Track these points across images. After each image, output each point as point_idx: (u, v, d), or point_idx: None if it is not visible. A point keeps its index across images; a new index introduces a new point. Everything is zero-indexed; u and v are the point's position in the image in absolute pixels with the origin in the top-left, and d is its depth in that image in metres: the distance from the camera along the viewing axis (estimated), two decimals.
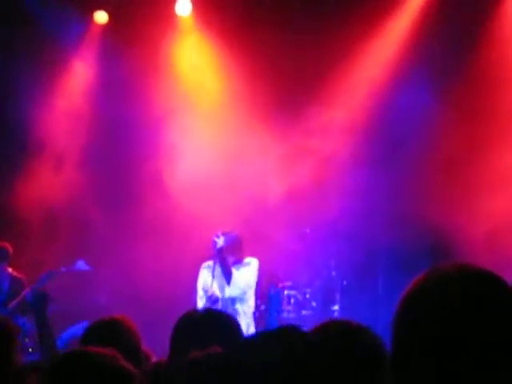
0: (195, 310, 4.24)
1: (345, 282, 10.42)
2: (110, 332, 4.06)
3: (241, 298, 8.56)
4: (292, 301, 10.16)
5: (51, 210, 10.44)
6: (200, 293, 8.61)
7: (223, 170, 10.31)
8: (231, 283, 8.53)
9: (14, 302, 9.33)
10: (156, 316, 8.79)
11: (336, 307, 10.31)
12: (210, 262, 8.56)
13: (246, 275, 8.61)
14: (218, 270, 8.53)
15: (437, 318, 1.84)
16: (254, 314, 8.99)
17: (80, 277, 10.09)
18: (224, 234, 8.48)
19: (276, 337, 1.93)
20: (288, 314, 10.01)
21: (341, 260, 10.38)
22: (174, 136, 10.45)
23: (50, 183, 10.45)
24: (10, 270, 9.52)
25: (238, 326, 3.74)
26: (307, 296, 10.31)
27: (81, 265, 9.66)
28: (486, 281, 1.90)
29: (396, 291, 2.07)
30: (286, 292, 10.21)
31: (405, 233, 9.80)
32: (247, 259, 8.66)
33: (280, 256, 10.20)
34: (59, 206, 10.41)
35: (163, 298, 9.45)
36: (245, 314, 8.26)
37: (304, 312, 10.13)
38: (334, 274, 10.45)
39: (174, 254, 9.63)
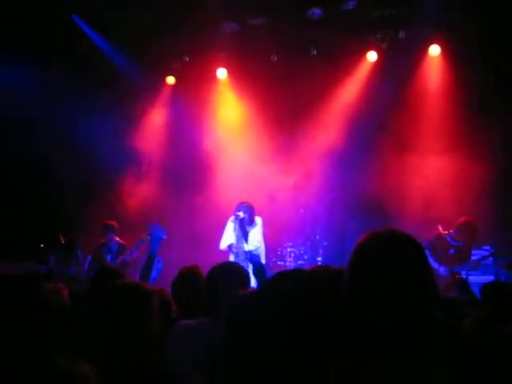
0: (223, 265, 4.14)
1: (325, 243, 11.80)
2: (194, 274, 4.43)
3: (255, 251, 9.17)
4: (292, 255, 11.48)
5: (144, 199, 11.80)
6: (225, 237, 9.21)
7: (249, 173, 11.68)
8: (248, 241, 9.22)
9: (120, 258, 9.91)
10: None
11: (319, 258, 11.59)
12: (233, 217, 9.24)
13: (256, 234, 9.25)
14: (239, 231, 9.26)
15: (369, 272, 2.06)
16: (267, 264, 9.81)
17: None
18: (242, 206, 9.16)
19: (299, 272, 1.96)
20: (290, 263, 11.36)
21: (322, 229, 11.86)
22: (218, 154, 12.12)
23: (145, 184, 11.97)
24: (117, 238, 10.35)
25: (248, 275, 3.87)
26: (301, 251, 11.60)
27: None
28: (404, 244, 2.13)
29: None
30: (288, 249, 11.54)
31: (361, 212, 11.01)
32: (256, 219, 9.30)
33: (285, 227, 11.83)
34: (149, 197, 11.81)
35: (211, 251, 9.76)
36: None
37: (299, 262, 11.49)
38: (317, 237, 11.86)
39: (219, 225, 10.01)
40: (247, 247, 9.00)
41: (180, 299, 4.55)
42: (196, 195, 11.83)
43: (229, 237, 9.25)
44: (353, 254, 2.31)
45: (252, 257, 8.23)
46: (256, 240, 9.11)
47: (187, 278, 4.55)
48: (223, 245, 9.17)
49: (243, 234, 9.07)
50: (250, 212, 9.24)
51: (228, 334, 2.13)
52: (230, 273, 3.88)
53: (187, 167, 12.34)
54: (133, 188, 11.96)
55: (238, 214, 9.04)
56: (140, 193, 11.97)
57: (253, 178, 11.55)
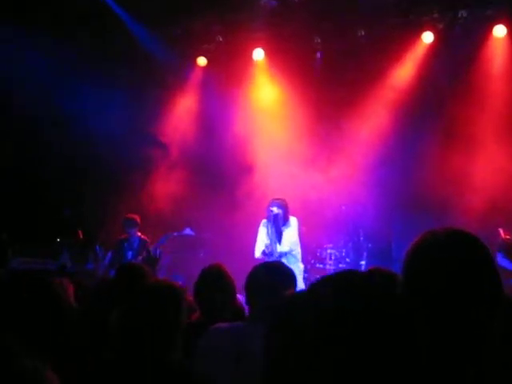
0: (268, 263, 4.05)
1: (370, 245, 11.22)
2: (217, 274, 4.39)
3: (289, 253, 8.68)
4: (332, 257, 10.94)
5: (171, 192, 11.27)
6: (259, 244, 8.70)
7: (286, 166, 11.01)
8: (282, 242, 8.70)
9: (141, 256, 9.53)
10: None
11: (363, 262, 11.06)
12: (265, 221, 8.73)
13: (291, 234, 8.70)
14: (272, 230, 8.72)
15: (427, 273, 2.02)
16: (305, 266, 9.46)
17: (186, 239, 10.84)
18: (276, 202, 8.63)
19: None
20: (330, 266, 10.79)
21: (366, 229, 11.18)
22: (254, 140, 11.43)
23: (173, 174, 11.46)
24: (139, 233, 9.94)
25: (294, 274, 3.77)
26: (343, 254, 11.04)
27: (188, 231, 10.62)
28: (468, 246, 2.05)
29: (403, 249, 2.28)
30: (328, 251, 10.98)
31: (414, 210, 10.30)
32: (291, 220, 8.73)
33: (325, 226, 11.20)
34: (177, 190, 11.19)
35: (244, 251, 9.23)
36: (294, 266, 7.69)
37: (340, 265, 10.87)
38: (361, 239, 11.26)
39: (253, 221, 9.51)
40: (280, 248, 8.51)
41: (203, 302, 4.39)
42: (226, 189, 11.43)
43: (263, 243, 8.76)
44: (409, 255, 2.19)
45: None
46: (290, 241, 8.60)
47: (211, 278, 4.39)
48: (258, 252, 8.66)
49: (276, 233, 8.56)
50: (285, 209, 8.71)
51: (274, 340, 1.78)
52: (276, 272, 3.65)
53: (218, 157, 11.71)
54: (159, 180, 11.64)
55: (272, 209, 8.50)
56: (167, 185, 11.57)
57: (289, 172, 11.04)
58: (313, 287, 1.60)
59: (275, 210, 8.58)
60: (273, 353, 1.61)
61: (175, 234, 9.92)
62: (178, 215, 11.27)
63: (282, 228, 8.67)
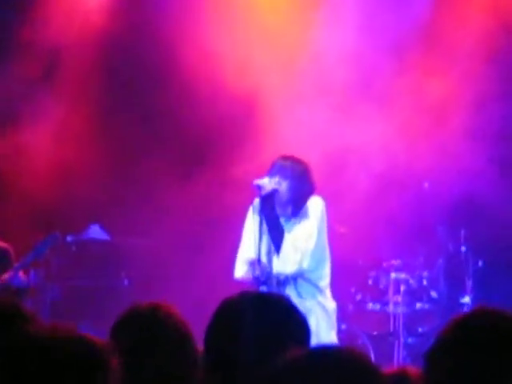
0: (239, 297, 3.13)
1: (480, 263, 8.69)
2: (149, 324, 3.42)
3: (302, 276, 6.48)
4: (402, 288, 8.37)
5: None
6: (244, 253, 6.58)
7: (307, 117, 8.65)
8: (284, 252, 6.43)
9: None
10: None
11: (467, 299, 8.45)
12: (255, 206, 6.52)
13: (308, 235, 6.42)
14: (264, 227, 6.51)
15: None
16: (341, 306, 7.31)
17: (92, 248, 8.79)
18: (279, 166, 6.30)
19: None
20: (395, 308, 8.18)
21: (474, 230, 8.70)
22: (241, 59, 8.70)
23: None
24: None
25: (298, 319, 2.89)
26: (424, 282, 8.58)
27: (95, 232, 8.41)
28: None
29: None
30: (393, 275, 8.42)
31: None
32: (310, 204, 6.38)
33: (385, 223, 8.55)
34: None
35: (213, 270, 7.85)
36: (312, 304, 6.10)
37: (419, 305, 8.33)
38: (463, 249, 8.61)
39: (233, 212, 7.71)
40: (279, 266, 6.41)
41: (127, 371, 2.80)
42: (178, 151, 9.27)
43: (249, 250, 6.51)
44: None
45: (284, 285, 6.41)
46: (305, 251, 6.28)
47: (138, 331, 3.22)
48: (240, 269, 6.40)
49: (273, 234, 6.41)
50: (295, 182, 6.36)
51: None
52: (268, 317, 2.77)
53: (162, 95, 9.19)
54: (35, 135, 9.02)
55: (258, 183, 6.22)
56: (52, 144, 8.97)
57: (312, 118, 8.63)
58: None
59: (266, 183, 6.27)
60: None
61: (69, 237, 8.45)
62: (73, 201, 8.93)
63: (286, 222, 6.46)
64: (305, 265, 6.35)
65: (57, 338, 2.24)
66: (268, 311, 2.77)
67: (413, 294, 8.47)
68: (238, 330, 2.71)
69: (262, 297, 3.07)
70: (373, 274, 8.51)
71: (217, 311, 2.82)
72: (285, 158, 6.40)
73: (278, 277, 6.44)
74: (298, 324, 2.78)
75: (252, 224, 6.61)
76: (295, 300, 5.53)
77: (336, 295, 6.82)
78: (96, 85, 8.87)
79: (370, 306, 8.45)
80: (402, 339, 7.89)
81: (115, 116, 9.06)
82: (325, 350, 1.92)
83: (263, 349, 2.62)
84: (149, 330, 3.23)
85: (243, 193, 7.30)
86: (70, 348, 2.20)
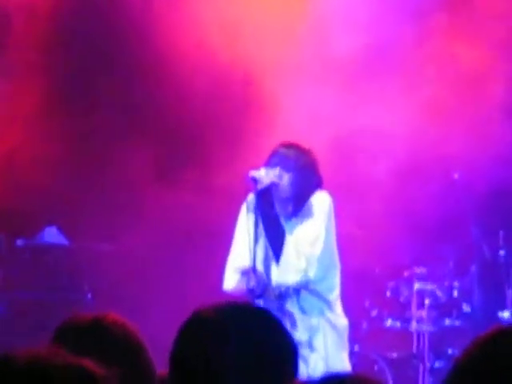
0: (212, 308, 2.62)
1: None
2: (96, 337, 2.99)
3: (307, 288, 6.05)
4: (427, 301, 7.69)
5: None
6: (236, 257, 6.13)
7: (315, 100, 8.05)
8: (284, 257, 6.02)
9: None
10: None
11: (506, 314, 7.71)
12: (249, 202, 6.04)
13: (313, 237, 5.99)
14: (260, 228, 6.09)
15: None
16: (352, 324, 6.51)
17: (47, 254, 8.02)
18: (280, 155, 5.79)
19: None
20: (419, 326, 7.41)
21: None
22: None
23: None
24: None
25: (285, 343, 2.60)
26: (454, 294, 7.91)
27: (50, 235, 7.78)
28: None
29: None
30: (416, 286, 7.69)
31: None
32: (314, 199, 5.91)
33: (406, 222, 7.78)
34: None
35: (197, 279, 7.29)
36: (318, 321, 5.70)
37: (448, 322, 7.62)
38: (502, 253, 7.89)
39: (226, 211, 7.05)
40: (278, 275, 6.01)
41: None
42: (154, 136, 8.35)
43: (241, 256, 6.12)
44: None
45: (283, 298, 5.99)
46: (309, 256, 5.93)
47: (92, 350, 2.52)
48: (231, 278, 6.04)
49: (271, 236, 6.08)
50: (299, 174, 5.97)
51: None
52: (254, 339, 2.51)
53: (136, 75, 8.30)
54: None
55: (254, 175, 5.75)
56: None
57: (319, 95, 7.80)
58: None
59: (262, 175, 5.80)
60: None
61: (19, 241, 7.84)
62: (25, 198, 8.07)
63: (286, 222, 6.08)
64: (310, 274, 5.94)
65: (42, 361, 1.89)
66: (246, 325, 2.49)
67: (440, 309, 7.80)
68: (209, 347, 2.41)
69: (239, 308, 2.68)
70: (391, 284, 7.83)
71: (185, 325, 2.51)
72: (287, 145, 5.88)
73: (277, 289, 6.02)
74: (281, 340, 2.49)
75: (246, 224, 6.19)
76: (298, 316, 5.66)
77: (347, 310, 6.22)
78: (53, 59, 7.84)
79: (389, 323, 7.78)
80: (427, 363, 7.09)
81: (78, 97, 8.12)
82: (334, 380, 1.88)
83: (239, 371, 2.37)
84: (89, 342, 2.87)
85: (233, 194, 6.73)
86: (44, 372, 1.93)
